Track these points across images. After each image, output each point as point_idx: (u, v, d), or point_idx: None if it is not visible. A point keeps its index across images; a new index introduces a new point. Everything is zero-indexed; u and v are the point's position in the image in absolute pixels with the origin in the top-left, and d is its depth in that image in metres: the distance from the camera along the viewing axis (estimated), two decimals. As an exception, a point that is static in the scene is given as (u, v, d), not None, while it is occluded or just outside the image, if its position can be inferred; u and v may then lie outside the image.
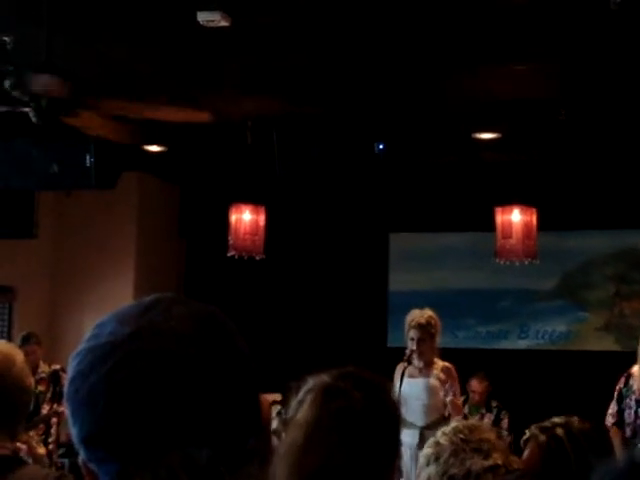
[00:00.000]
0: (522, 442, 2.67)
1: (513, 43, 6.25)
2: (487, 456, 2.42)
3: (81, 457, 1.10)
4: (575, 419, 2.68)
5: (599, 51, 6.34)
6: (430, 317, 6.75)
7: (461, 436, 2.47)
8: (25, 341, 8.16)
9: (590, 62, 6.61)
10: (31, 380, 2.72)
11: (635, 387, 6.52)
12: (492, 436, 2.51)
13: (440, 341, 6.88)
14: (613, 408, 6.54)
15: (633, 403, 6.49)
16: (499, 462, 2.42)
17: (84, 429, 1.08)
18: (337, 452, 1.95)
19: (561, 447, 2.58)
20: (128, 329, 1.08)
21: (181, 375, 1.06)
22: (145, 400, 1.04)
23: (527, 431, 2.68)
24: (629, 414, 6.49)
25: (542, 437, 2.60)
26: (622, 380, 6.60)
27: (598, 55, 6.43)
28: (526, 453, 2.62)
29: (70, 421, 1.10)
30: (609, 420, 6.53)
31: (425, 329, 6.69)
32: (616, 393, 6.58)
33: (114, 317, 1.12)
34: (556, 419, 2.68)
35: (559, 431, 2.64)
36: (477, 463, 2.41)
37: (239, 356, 1.12)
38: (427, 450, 2.53)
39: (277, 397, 7.58)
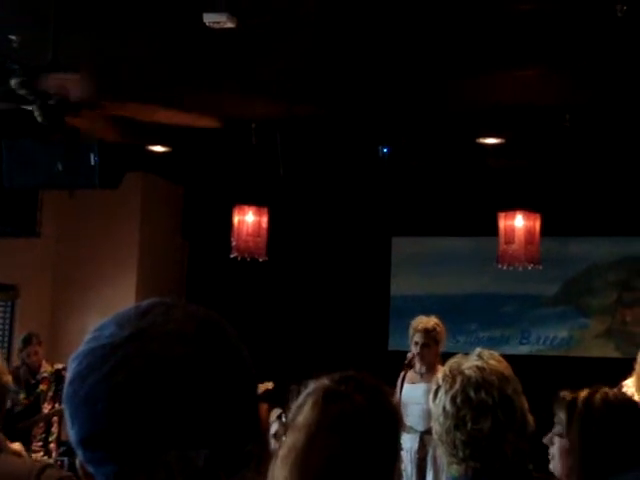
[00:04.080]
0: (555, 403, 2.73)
1: (518, 49, 6.26)
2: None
3: (79, 459, 1.10)
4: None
5: (604, 58, 6.34)
6: (436, 324, 6.86)
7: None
8: (26, 342, 8.17)
9: (595, 69, 6.61)
10: (8, 378, 2.74)
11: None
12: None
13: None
14: None
15: None
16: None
17: (82, 430, 1.08)
18: (339, 454, 1.96)
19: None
20: (127, 331, 1.09)
21: (180, 377, 1.06)
22: (144, 401, 1.05)
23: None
24: None
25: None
26: None
27: (603, 62, 6.43)
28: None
29: (68, 422, 1.10)
30: None
31: (430, 334, 6.77)
32: None
33: (113, 320, 1.12)
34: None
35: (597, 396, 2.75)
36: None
37: (238, 359, 1.13)
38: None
39: (269, 385, 7.55)
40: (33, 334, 8.31)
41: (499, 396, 2.42)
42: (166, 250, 10.71)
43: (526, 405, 2.47)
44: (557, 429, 2.74)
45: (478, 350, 2.56)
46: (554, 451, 2.74)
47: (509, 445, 2.40)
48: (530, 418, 2.46)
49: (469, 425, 2.40)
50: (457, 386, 2.44)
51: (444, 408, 2.44)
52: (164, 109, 5.73)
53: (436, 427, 2.47)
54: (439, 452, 2.58)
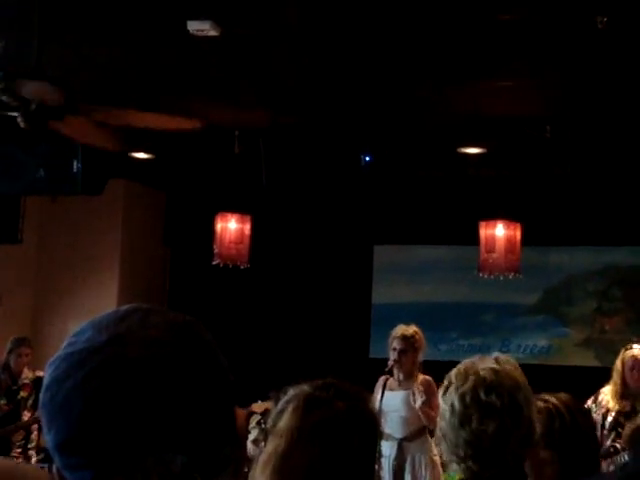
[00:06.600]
0: None
1: (500, 59, 6.30)
2: None
3: (55, 464, 1.10)
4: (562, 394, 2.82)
5: (585, 69, 6.39)
6: (415, 331, 6.89)
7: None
8: (19, 343, 8.17)
9: (576, 80, 6.66)
10: None
11: (604, 403, 6.62)
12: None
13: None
14: None
15: (600, 418, 6.60)
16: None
17: (59, 435, 1.08)
18: (319, 460, 1.97)
19: (558, 411, 2.66)
20: (105, 336, 1.09)
21: (157, 382, 1.07)
22: (121, 406, 1.05)
23: None
24: (596, 428, 6.61)
25: (540, 403, 2.63)
26: (592, 398, 6.75)
27: (584, 73, 6.48)
28: None
29: (45, 428, 1.10)
30: None
31: (408, 341, 6.80)
32: None
33: (91, 325, 1.12)
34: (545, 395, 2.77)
35: (553, 400, 2.77)
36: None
37: (215, 365, 1.13)
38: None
39: (269, 405, 7.53)
40: (27, 338, 8.38)
41: (509, 401, 2.38)
42: (148, 257, 10.70)
43: (535, 414, 2.45)
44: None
45: (496, 354, 2.52)
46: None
47: (511, 451, 2.38)
48: (537, 427, 2.45)
49: (474, 425, 2.35)
50: (469, 384, 2.40)
51: (452, 405, 2.40)
52: (146, 113, 5.73)
53: (441, 423, 2.42)
54: (441, 449, 2.53)
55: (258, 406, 7.15)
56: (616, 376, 6.62)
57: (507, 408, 2.37)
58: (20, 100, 5.16)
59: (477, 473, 2.36)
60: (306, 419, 2.02)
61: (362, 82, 6.86)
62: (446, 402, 2.42)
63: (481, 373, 2.42)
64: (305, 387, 2.09)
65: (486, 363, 2.46)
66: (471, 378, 2.41)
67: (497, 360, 2.47)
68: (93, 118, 5.50)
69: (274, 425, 2.05)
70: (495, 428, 2.35)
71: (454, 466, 2.41)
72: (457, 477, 2.44)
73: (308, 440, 1.99)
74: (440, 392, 2.48)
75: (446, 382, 2.47)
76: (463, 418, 2.37)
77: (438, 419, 2.47)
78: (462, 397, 2.39)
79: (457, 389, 2.41)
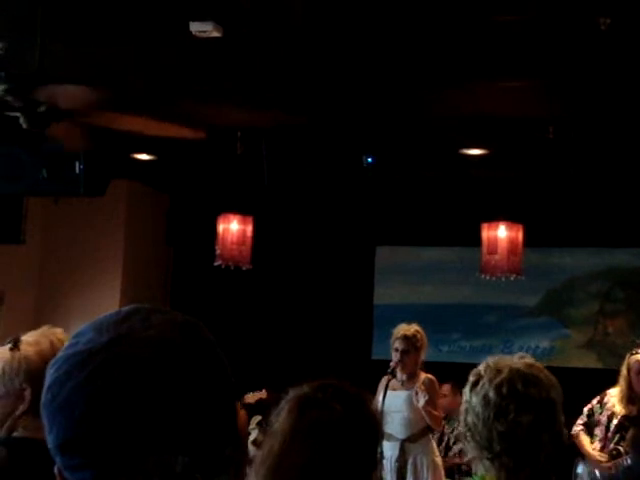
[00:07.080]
0: None
1: (503, 60, 6.30)
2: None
3: (56, 465, 1.11)
4: None
5: (588, 70, 6.38)
6: (416, 331, 6.88)
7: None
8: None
9: (579, 81, 6.65)
10: None
11: (609, 405, 6.63)
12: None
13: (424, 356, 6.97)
14: (582, 419, 6.74)
15: (605, 419, 6.62)
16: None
17: (60, 436, 1.09)
18: (314, 461, 1.97)
19: None
20: (106, 337, 1.10)
21: (159, 382, 1.07)
22: (122, 407, 1.05)
23: None
24: (601, 430, 6.64)
25: None
26: (597, 398, 6.77)
27: (587, 74, 6.47)
28: None
29: (46, 429, 1.10)
30: (577, 428, 6.71)
31: (410, 341, 6.79)
32: (586, 409, 6.78)
33: (92, 326, 1.13)
34: None
35: None
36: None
37: (217, 365, 1.14)
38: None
39: (263, 395, 7.54)
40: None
41: (545, 394, 2.34)
42: (150, 258, 10.70)
43: (562, 417, 2.41)
44: None
45: (520, 354, 2.50)
46: None
47: (544, 448, 2.33)
48: (564, 430, 2.41)
49: (511, 416, 2.30)
50: (504, 376, 2.35)
51: (485, 397, 2.34)
52: (148, 120, 5.74)
53: (470, 419, 2.36)
54: (466, 448, 2.44)
55: (251, 397, 7.15)
56: (622, 381, 6.64)
57: (543, 402, 2.33)
58: (25, 101, 5.16)
59: (511, 469, 2.31)
60: (301, 420, 2.02)
61: (365, 83, 6.86)
62: (478, 395, 2.36)
63: (514, 365, 2.38)
64: (304, 388, 2.10)
65: (514, 359, 2.43)
66: (505, 370, 2.36)
67: (523, 357, 2.45)
68: (94, 122, 5.51)
69: (272, 426, 2.06)
70: (530, 420, 2.29)
71: (486, 463, 2.34)
72: (488, 478, 2.36)
73: (302, 441, 1.99)
74: (467, 388, 2.42)
75: (473, 378, 2.41)
76: (499, 409, 2.31)
77: (462, 416, 2.41)
78: (498, 388, 2.34)
79: (491, 381, 2.36)
